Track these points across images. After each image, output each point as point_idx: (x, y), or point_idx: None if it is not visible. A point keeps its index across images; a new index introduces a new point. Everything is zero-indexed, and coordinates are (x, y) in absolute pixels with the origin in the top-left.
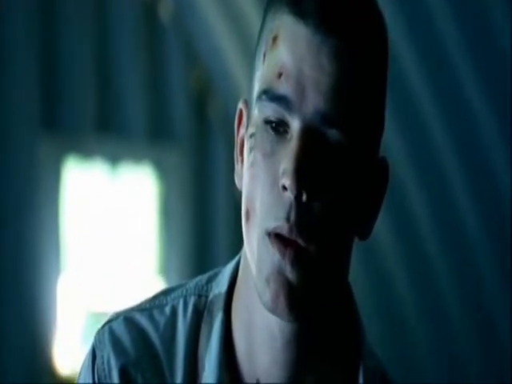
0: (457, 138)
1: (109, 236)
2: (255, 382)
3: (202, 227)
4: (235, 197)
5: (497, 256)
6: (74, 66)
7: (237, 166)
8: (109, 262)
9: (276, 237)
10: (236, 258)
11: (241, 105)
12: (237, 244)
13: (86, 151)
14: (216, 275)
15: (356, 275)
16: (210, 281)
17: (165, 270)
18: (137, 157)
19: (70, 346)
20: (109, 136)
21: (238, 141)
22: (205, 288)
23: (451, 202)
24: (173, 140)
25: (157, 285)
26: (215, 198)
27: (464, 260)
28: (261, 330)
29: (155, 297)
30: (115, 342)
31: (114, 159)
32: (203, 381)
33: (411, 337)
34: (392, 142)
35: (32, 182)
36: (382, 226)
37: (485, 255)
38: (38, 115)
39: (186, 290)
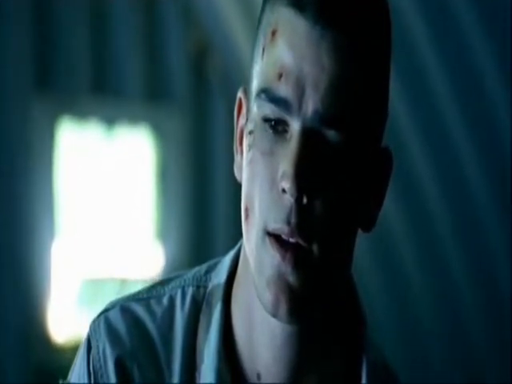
0: (462, 95)
1: (105, 200)
2: (256, 375)
3: (200, 190)
4: (233, 159)
5: (501, 216)
6: (69, 25)
7: (236, 157)
8: (105, 227)
9: (276, 239)
10: (235, 248)
11: (240, 94)
12: (236, 208)
13: (81, 112)
14: (215, 265)
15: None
16: (208, 271)
17: (162, 235)
18: (133, 118)
19: (64, 312)
20: (105, 97)
21: (238, 131)
22: (203, 279)
23: (455, 161)
24: (171, 101)
25: (154, 250)
26: (214, 159)
27: (468, 220)
28: (261, 325)
29: (152, 286)
30: (111, 332)
31: (109, 121)
32: (202, 373)
33: (415, 305)
34: (394, 99)
35: (26, 144)
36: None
37: (489, 216)
38: (32, 75)
39: (184, 281)
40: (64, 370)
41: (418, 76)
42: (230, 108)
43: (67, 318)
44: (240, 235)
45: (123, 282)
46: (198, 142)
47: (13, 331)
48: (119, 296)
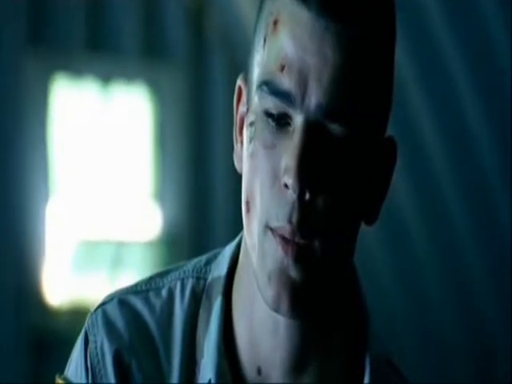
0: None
1: (100, 160)
2: (256, 369)
3: (198, 149)
4: (232, 117)
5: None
6: None
7: (236, 147)
8: (101, 188)
9: (278, 234)
10: (236, 240)
11: (239, 81)
12: (235, 167)
13: (76, 69)
14: (215, 257)
15: None
16: (208, 262)
17: (160, 196)
18: (130, 75)
19: (59, 275)
20: (100, 53)
21: (238, 119)
22: (203, 270)
23: (460, 124)
24: (168, 58)
25: (151, 211)
26: (212, 118)
27: (476, 188)
28: (262, 319)
29: (151, 278)
30: (109, 325)
31: (105, 78)
32: (202, 367)
33: (422, 277)
34: (400, 60)
35: (19, 102)
36: None
37: (498, 185)
38: (26, 31)
39: (184, 272)
40: (58, 334)
41: (426, 39)
42: (229, 65)
43: (62, 281)
44: (238, 198)
45: (119, 244)
46: (196, 100)
47: (7, 294)
48: (115, 258)
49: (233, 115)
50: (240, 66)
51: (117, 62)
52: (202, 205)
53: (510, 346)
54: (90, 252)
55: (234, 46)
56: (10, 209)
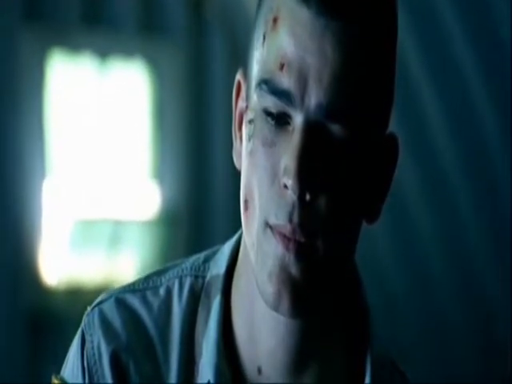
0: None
1: (98, 137)
2: (256, 369)
3: (197, 128)
4: (231, 95)
5: None
6: None
7: (235, 143)
8: (98, 166)
9: (278, 232)
10: (235, 237)
11: (238, 76)
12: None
13: (72, 45)
14: (214, 254)
15: None
16: (207, 260)
17: (158, 174)
18: (128, 51)
19: (56, 255)
20: (98, 29)
21: (237, 115)
22: (202, 268)
23: (466, 104)
24: (167, 35)
25: (150, 190)
26: (211, 95)
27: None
28: (262, 318)
29: (148, 277)
30: (106, 325)
31: (103, 54)
32: (201, 367)
33: (424, 258)
34: (405, 43)
35: (13, 78)
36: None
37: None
38: (21, 5)
39: (182, 270)
40: (56, 313)
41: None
42: (228, 43)
43: (59, 261)
44: (238, 178)
45: (117, 223)
46: (196, 78)
47: (4, 274)
48: (113, 237)
49: (231, 97)
50: (239, 44)
51: (115, 38)
52: (201, 184)
53: (510, 329)
54: (88, 231)
55: (233, 24)
56: (6, 188)
